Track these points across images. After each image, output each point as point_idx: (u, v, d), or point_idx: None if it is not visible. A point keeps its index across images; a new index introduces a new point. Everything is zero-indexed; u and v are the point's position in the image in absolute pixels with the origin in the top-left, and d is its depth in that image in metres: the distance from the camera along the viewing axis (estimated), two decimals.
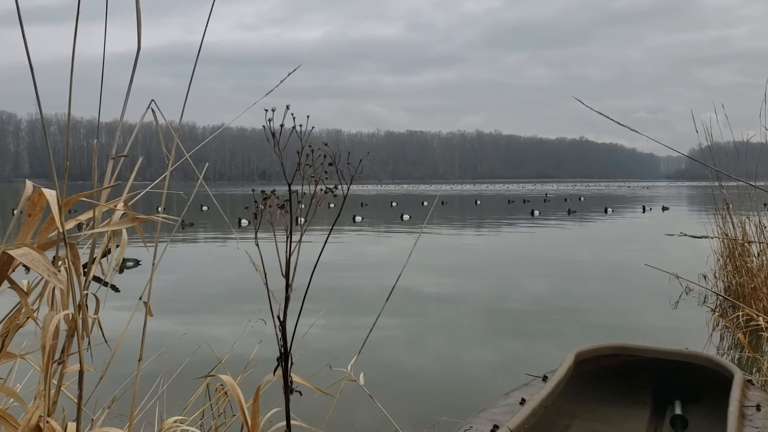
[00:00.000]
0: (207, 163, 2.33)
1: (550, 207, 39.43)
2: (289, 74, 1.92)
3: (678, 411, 3.67)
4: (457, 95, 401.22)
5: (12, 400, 1.75)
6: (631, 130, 2.45)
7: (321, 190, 1.59)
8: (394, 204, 43.53)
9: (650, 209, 35.18)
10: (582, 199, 52.20)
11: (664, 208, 35.47)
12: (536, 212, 31.98)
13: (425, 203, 43.57)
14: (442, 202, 45.50)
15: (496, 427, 2.93)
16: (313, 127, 1.55)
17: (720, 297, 8.62)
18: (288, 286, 1.63)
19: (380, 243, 19.33)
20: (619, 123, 2.48)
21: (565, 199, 50.43)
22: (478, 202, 48.24)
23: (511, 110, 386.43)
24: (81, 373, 1.57)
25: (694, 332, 7.22)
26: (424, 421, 4.23)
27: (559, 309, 8.93)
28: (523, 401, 3.31)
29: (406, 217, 28.80)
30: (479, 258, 15.27)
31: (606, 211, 33.68)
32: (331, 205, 1.90)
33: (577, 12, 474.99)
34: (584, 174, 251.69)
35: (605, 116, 2.45)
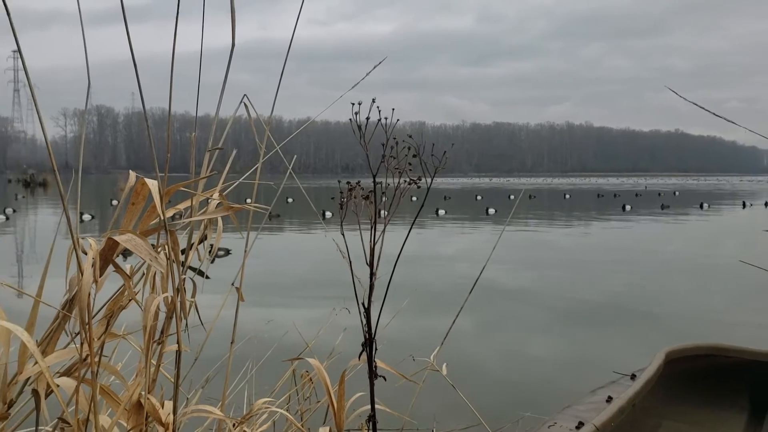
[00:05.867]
0: (295, 156, 2.40)
1: (642, 202, 38.04)
2: (374, 67, 1.96)
3: None
4: (537, 86, 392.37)
5: (114, 377, 1.87)
6: (728, 121, 2.35)
7: (405, 181, 1.61)
8: (479, 198, 43.12)
9: (750, 205, 33.38)
10: (677, 193, 50.10)
11: (767, 204, 33.56)
12: (627, 207, 30.93)
13: (512, 197, 42.90)
14: (530, 196, 44.64)
15: (581, 424, 2.88)
16: (398, 120, 1.58)
17: None
18: (372, 274, 1.67)
19: (462, 237, 19.22)
20: (715, 114, 2.38)
21: (659, 194, 48.58)
22: (567, 196, 47.07)
23: (595, 101, 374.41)
24: (178, 353, 1.65)
25: None
26: (504, 414, 4.20)
27: (646, 306, 8.64)
28: (609, 399, 3.24)
29: (491, 211, 28.43)
30: (565, 253, 14.94)
31: (701, 207, 32.22)
32: (414, 198, 1.93)
33: (654, 0, 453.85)
34: (680, 168, 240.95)
35: (700, 107, 2.36)
